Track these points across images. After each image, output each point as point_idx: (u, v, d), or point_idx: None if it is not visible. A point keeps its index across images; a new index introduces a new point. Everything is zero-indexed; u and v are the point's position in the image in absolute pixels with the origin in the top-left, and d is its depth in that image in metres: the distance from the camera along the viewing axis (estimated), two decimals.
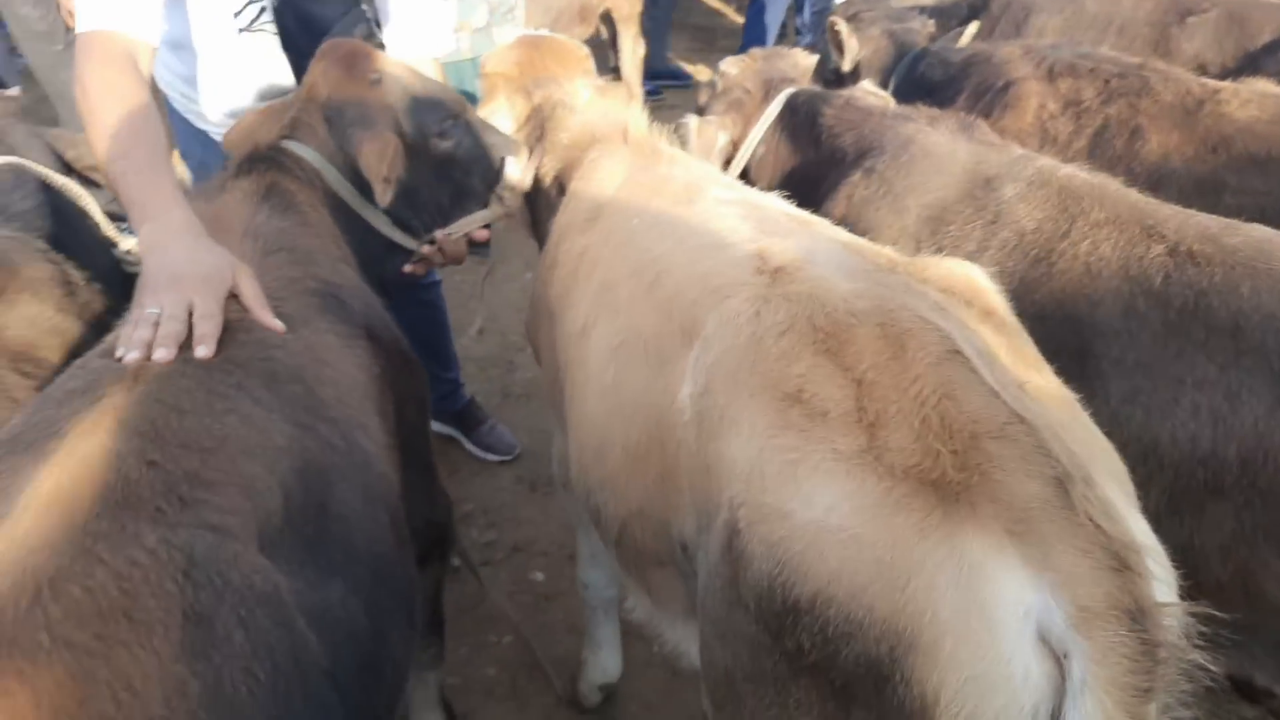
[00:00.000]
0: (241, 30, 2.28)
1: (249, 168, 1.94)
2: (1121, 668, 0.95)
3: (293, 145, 1.99)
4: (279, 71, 2.37)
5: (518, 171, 2.24)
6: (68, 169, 2.25)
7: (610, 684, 2.64)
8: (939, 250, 2.09)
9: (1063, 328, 1.83)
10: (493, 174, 2.22)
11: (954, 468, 1.07)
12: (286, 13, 2.28)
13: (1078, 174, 2.01)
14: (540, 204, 2.33)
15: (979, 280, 1.31)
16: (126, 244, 2.15)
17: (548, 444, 3.59)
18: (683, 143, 2.81)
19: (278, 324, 1.59)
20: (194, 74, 2.38)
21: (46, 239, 2.01)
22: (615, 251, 1.76)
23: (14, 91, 2.69)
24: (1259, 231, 1.79)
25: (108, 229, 2.15)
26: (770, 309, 1.29)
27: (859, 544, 1.08)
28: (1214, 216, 1.86)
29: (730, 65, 2.84)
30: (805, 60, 2.86)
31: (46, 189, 2.19)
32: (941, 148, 2.17)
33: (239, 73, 2.36)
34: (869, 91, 2.65)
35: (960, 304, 1.27)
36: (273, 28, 2.31)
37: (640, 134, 2.11)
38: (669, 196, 1.79)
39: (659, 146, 2.08)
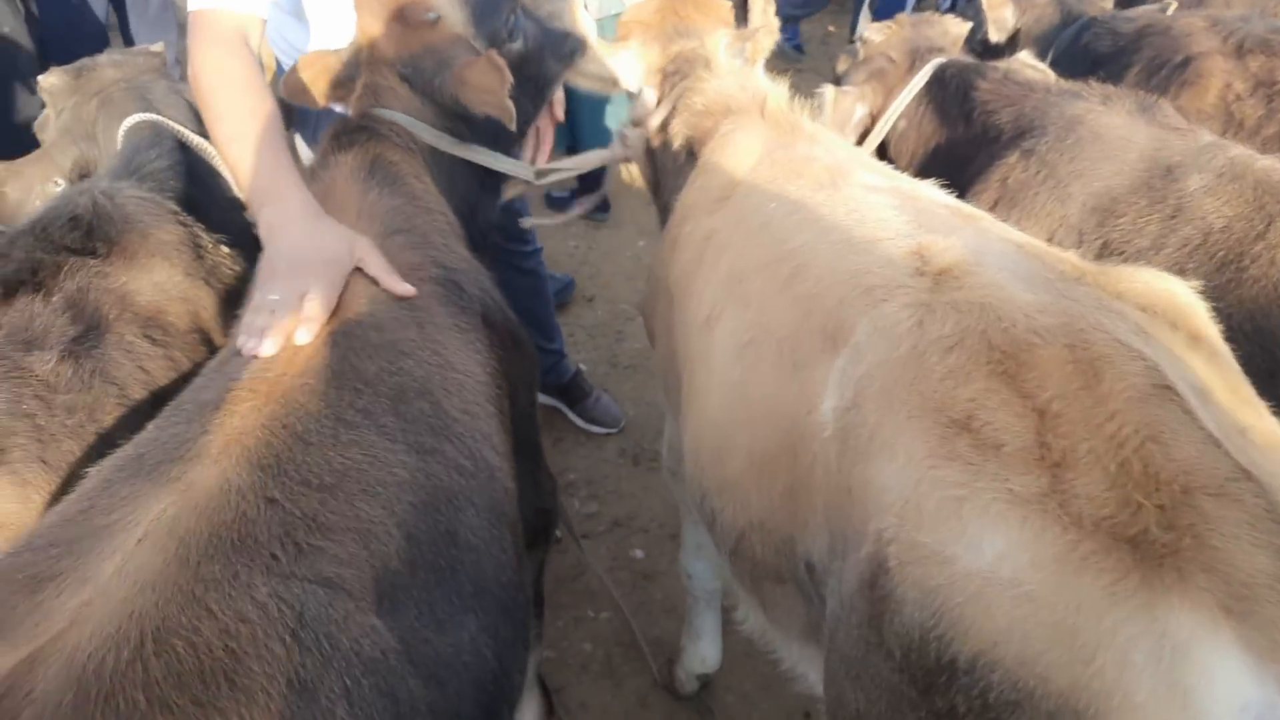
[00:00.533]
0: None
1: (347, 141, 1.85)
2: None
3: (383, 113, 1.89)
4: None
5: (650, 99, 2.10)
6: None
7: (708, 674, 2.56)
8: (1105, 245, 1.88)
9: (1251, 343, 1.62)
10: (566, 51, 2.10)
11: (1159, 525, 0.91)
12: None
13: (1279, 167, 1.77)
14: (666, 166, 2.20)
15: (1183, 297, 1.13)
16: None
17: (653, 417, 3.51)
18: (817, 113, 2.64)
19: (409, 289, 1.56)
20: (306, 45, 2.32)
21: (179, 200, 1.99)
22: (747, 238, 1.62)
23: (158, 47, 2.68)
24: None
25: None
26: (935, 319, 1.14)
27: (1035, 603, 0.94)
28: None
29: (874, 32, 2.64)
30: (956, 28, 2.63)
31: (183, 148, 2.17)
32: (1115, 130, 1.95)
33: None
34: (1027, 64, 2.42)
35: (1164, 326, 1.09)
36: None
37: (779, 107, 1.94)
38: (810, 180, 1.64)
39: (799, 122, 1.91)
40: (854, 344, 1.21)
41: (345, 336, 1.48)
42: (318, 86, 1.89)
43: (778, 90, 2.01)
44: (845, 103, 2.53)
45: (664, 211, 2.14)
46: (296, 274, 1.44)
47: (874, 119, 2.64)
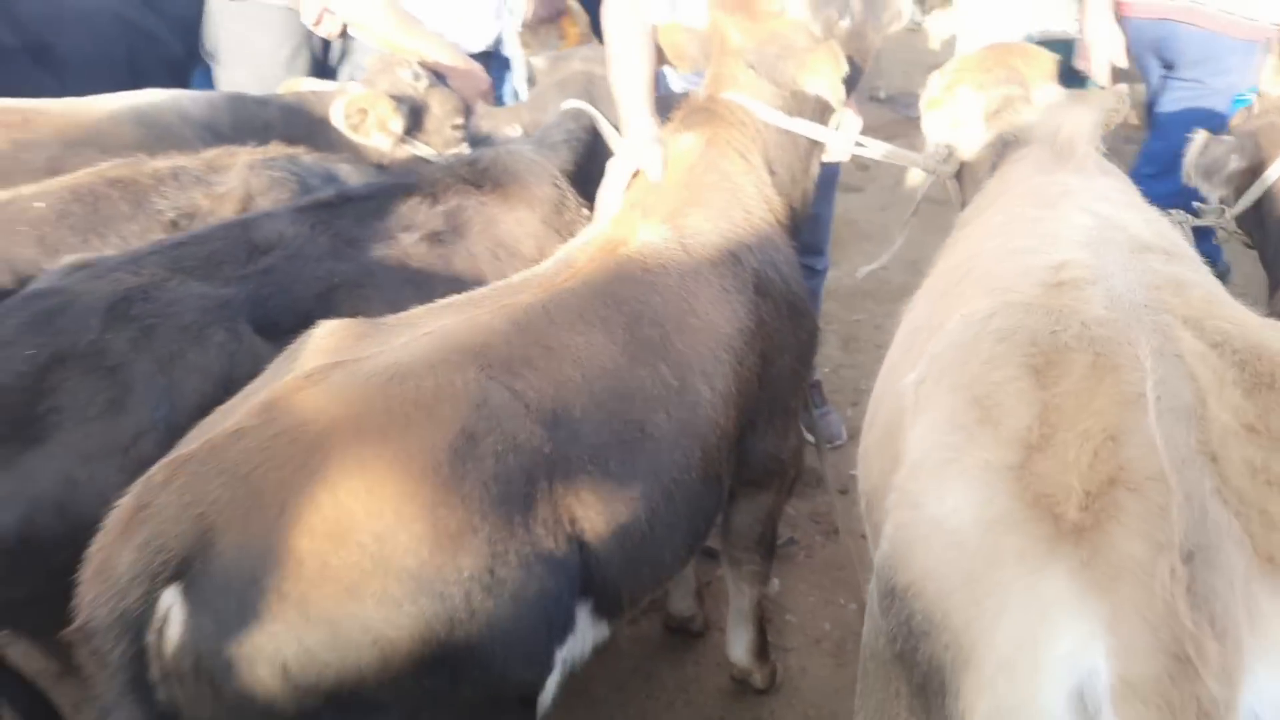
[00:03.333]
0: None
1: (692, 121, 2.25)
2: None
3: (729, 96, 2.26)
4: None
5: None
6: None
7: None
8: None
9: None
10: (885, 21, 2.37)
11: (1078, 507, 0.99)
12: None
13: None
14: (968, 185, 2.34)
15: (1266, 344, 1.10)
16: None
17: None
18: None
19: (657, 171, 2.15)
20: None
21: (566, 168, 2.57)
22: (963, 243, 1.76)
23: None
24: None
25: None
26: (1004, 315, 1.26)
27: (961, 551, 1.07)
28: None
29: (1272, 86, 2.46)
30: None
31: (593, 131, 2.77)
32: None
33: None
34: None
35: (1228, 360, 1.10)
36: None
37: (1069, 138, 2.00)
38: (1040, 199, 1.72)
39: (1083, 153, 1.96)
40: (945, 329, 1.35)
41: (617, 268, 1.93)
42: (672, 53, 2.38)
43: (1086, 123, 2.05)
44: (1216, 150, 2.41)
45: None
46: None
47: (1253, 174, 2.46)
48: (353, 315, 1.74)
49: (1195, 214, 2.55)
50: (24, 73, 3.03)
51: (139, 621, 1.27)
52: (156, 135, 2.65)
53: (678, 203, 2.10)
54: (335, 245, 2.05)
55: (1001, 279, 1.43)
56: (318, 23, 3.34)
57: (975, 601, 1.03)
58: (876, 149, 2.36)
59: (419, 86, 2.92)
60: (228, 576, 1.27)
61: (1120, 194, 1.79)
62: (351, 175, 2.46)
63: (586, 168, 2.63)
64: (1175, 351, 1.09)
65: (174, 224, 2.10)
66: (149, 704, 1.28)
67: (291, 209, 2.13)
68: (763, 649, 2.66)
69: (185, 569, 1.27)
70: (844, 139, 2.30)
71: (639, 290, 1.89)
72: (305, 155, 2.42)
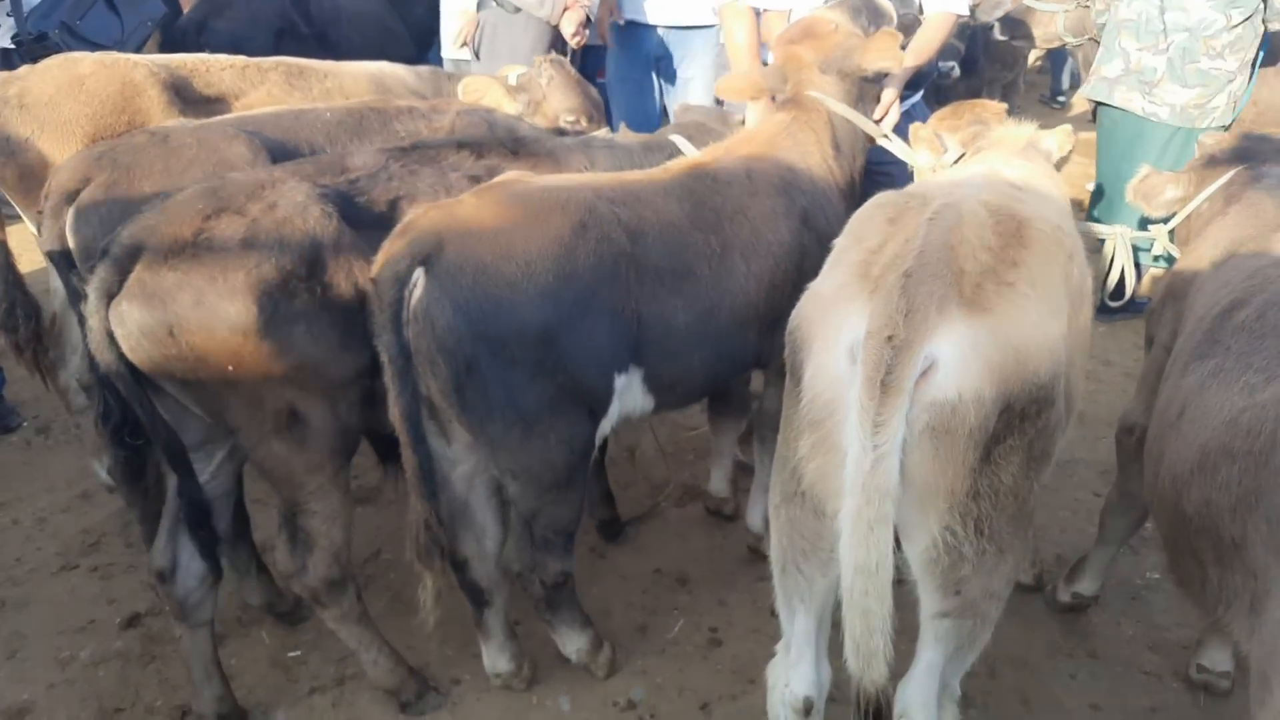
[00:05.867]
0: None
1: (782, 106, 3.17)
2: (870, 365, 1.69)
3: (808, 93, 3.14)
4: None
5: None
6: None
7: None
8: None
9: None
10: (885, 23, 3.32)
11: (878, 272, 1.85)
12: None
13: None
14: None
15: (1034, 227, 1.96)
16: None
17: None
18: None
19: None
20: None
21: (594, 163, 3.34)
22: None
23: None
24: None
25: None
26: (884, 198, 2.14)
27: (820, 299, 1.94)
28: None
29: (1209, 136, 3.18)
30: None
31: (648, 152, 3.60)
32: None
33: None
34: None
35: (995, 217, 1.94)
36: None
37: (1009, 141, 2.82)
38: (983, 165, 2.58)
39: (1037, 152, 2.78)
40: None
41: (698, 174, 2.82)
42: (744, 92, 3.33)
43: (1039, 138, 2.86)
44: (1156, 180, 3.14)
45: None
46: None
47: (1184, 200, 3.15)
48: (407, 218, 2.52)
49: None
50: (313, 51, 4.34)
51: (403, 280, 2.26)
52: (381, 89, 3.90)
53: (755, 151, 2.98)
54: (403, 173, 2.73)
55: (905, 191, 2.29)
56: (575, 34, 4.59)
57: (819, 320, 1.90)
58: (895, 145, 3.22)
59: (543, 84, 3.94)
60: (448, 267, 2.28)
61: (1031, 172, 2.58)
62: (525, 129, 3.48)
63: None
64: (959, 208, 1.93)
65: (403, 139, 3.18)
66: (401, 336, 2.27)
67: (376, 149, 2.86)
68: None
69: (428, 259, 2.27)
70: (870, 125, 3.19)
71: (707, 190, 2.78)
72: (498, 113, 3.49)
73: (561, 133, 3.77)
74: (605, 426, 2.60)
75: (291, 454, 2.44)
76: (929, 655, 2.01)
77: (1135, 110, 4.90)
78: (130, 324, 2.25)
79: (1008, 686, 2.97)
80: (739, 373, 3.04)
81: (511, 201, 2.42)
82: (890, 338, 1.70)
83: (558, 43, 4.76)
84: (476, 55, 4.74)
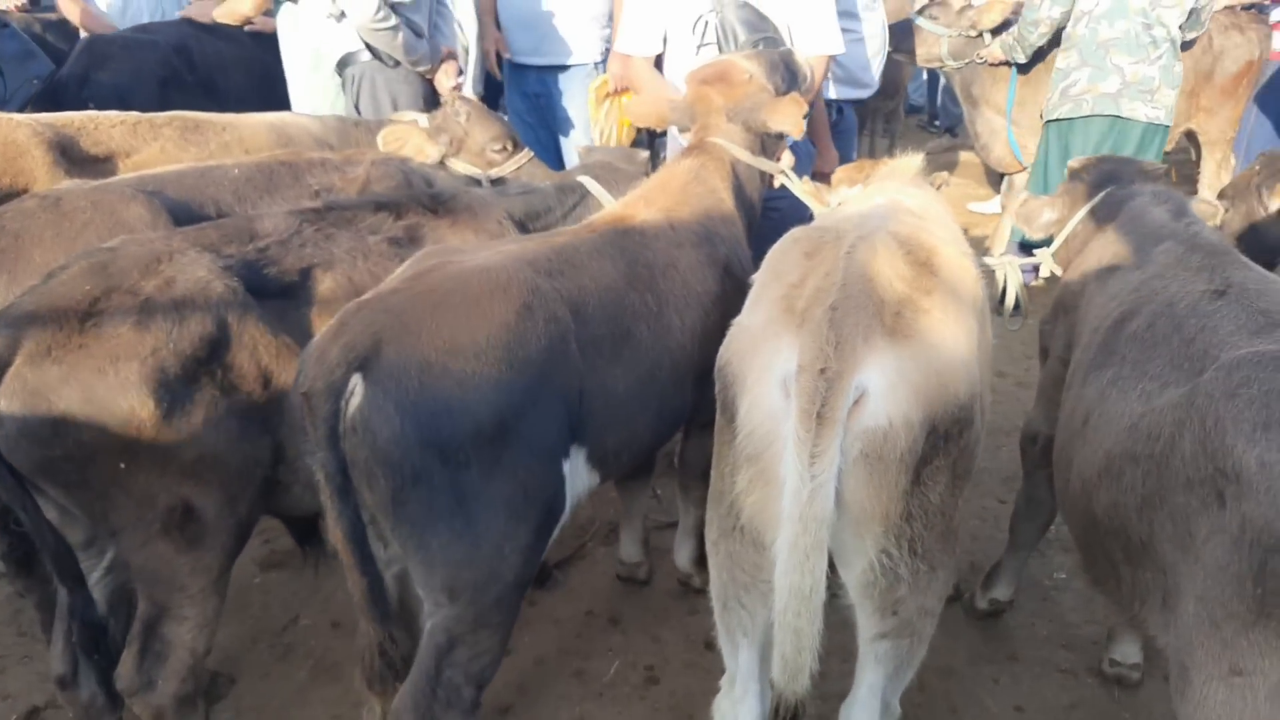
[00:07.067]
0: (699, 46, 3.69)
1: (688, 153, 3.21)
2: (805, 398, 1.75)
3: (713, 140, 3.20)
4: None
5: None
6: None
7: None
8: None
9: None
10: (800, 87, 3.42)
11: (803, 306, 1.91)
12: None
13: None
14: None
15: (942, 254, 2.07)
16: None
17: None
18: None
19: None
20: None
21: (512, 214, 3.32)
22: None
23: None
24: None
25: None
26: (801, 233, 2.21)
27: (749, 334, 2.00)
28: None
29: (1077, 161, 3.41)
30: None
31: (564, 197, 3.62)
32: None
33: None
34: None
35: (905, 247, 2.04)
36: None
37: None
38: (885, 198, 2.71)
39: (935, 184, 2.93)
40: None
41: (624, 230, 2.75)
42: (649, 119, 3.39)
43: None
44: (1034, 204, 3.34)
45: None
46: None
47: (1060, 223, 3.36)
48: (323, 289, 2.46)
49: None
50: (199, 99, 4.23)
51: (338, 389, 1.98)
52: (284, 140, 3.79)
53: (673, 202, 3.00)
54: (317, 238, 2.59)
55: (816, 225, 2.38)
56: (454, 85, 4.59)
57: (750, 355, 1.95)
58: (794, 185, 3.33)
59: (462, 121, 3.91)
60: (390, 370, 2.02)
61: (926, 200, 2.72)
62: (444, 180, 3.46)
63: (538, 220, 3.33)
64: (873, 241, 2.02)
65: (317, 194, 3.12)
66: (339, 449, 2.01)
67: (287, 211, 2.68)
68: (702, 557, 3.49)
69: (365, 362, 2.00)
70: (773, 167, 3.30)
71: (637, 245, 2.73)
72: (412, 162, 3.45)
73: (489, 165, 3.84)
74: (559, 524, 2.40)
75: (178, 554, 2.25)
76: (870, 678, 2.07)
77: (1140, 118, 5.43)
78: (9, 424, 2.05)
79: (937, 696, 3.06)
80: (677, 429, 3.00)
81: (449, 287, 2.18)
82: (823, 370, 1.76)
83: (431, 93, 4.76)
84: (357, 109, 4.67)
